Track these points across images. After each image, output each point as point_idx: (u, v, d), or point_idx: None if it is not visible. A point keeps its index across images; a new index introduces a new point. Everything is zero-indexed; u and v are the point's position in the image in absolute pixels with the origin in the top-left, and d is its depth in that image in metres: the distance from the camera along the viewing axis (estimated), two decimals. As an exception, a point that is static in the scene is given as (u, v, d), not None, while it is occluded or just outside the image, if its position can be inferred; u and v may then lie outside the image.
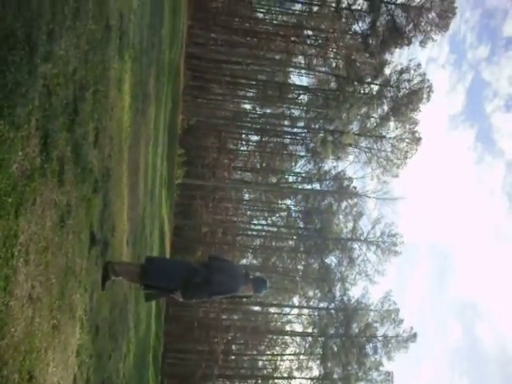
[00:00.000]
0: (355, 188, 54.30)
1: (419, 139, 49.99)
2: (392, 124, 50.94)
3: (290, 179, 58.65)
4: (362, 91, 49.95)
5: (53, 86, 3.60)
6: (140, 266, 7.02)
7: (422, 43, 46.32)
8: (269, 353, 62.49)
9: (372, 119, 51.75)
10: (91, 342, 6.08)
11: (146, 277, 6.77)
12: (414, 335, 55.72)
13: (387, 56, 49.08)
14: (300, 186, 57.29)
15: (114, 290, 8.06)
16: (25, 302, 3.29)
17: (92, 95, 5.04)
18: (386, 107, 50.54)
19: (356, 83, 49.03)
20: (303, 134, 55.51)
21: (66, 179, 4.16)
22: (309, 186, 56.89)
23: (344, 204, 55.03)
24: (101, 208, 6.20)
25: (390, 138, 51.10)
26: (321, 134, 52.13)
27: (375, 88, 50.74)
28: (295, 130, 56.01)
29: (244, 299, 9.23)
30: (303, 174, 57.24)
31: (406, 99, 48.44)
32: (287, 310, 62.00)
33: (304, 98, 54.84)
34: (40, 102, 3.37)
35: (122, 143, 8.09)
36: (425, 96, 48.47)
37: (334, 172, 55.38)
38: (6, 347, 3.00)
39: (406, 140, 50.48)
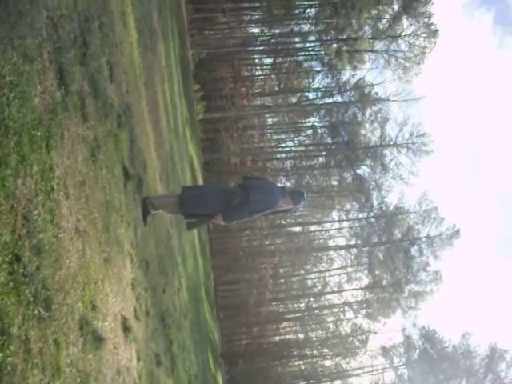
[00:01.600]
0: (377, 94, 53.35)
1: (436, 31, 48.41)
2: (405, 22, 49.34)
3: (310, 96, 57.76)
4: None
5: (57, 17, 3.54)
6: (177, 197, 7.08)
7: None
8: (316, 270, 63.57)
9: (384, 20, 50.13)
10: (144, 275, 6.23)
11: (185, 205, 6.83)
12: (457, 231, 55.85)
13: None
14: (321, 102, 56.38)
15: (156, 226, 8.20)
16: (73, 234, 3.35)
17: (98, 29, 4.96)
18: (396, 6, 48.90)
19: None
20: (316, 49, 54.28)
21: (89, 113, 4.15)
22: (330, 100, 55.96)
23: (368, 112, 54.20)
24: (128, 144, 6.21)
25: (405, 36, 49.60)
26: (334, 45, 50.90)
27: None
28: (307, 45, 54.71)
29: (284, 213, 9.29)
30: (323, 89, 56.28)
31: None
32: (328, 225, 62.50)
33: (311, 10, 53.20)
34: (48, 34, 3.32)
35: (136, 79, 8.02)
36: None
37: (353, 81, 54.30)
38: (65, 278, 3.08)
39: (423, 35, 48.99)
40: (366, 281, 60.94)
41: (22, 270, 2.51)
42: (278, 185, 7.35)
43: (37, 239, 2.73)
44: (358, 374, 63.45)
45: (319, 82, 56.49)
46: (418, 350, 60.49)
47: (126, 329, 4.58)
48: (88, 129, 4.08)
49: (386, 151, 54.93)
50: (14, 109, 2.67)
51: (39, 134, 2.95)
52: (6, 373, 2.23)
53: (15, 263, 2.46)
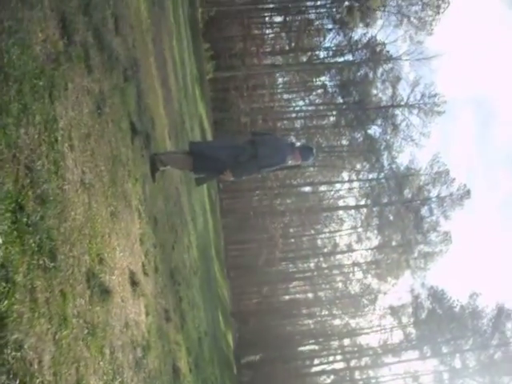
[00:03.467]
0: (389, 52, 52.47)
1: (450, -10, 47.36)
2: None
3: (321, 55, 56.87)
4: None
5: (59, -36, 3.45)
6: (186, 152, 7.04)
7: None
8: (326, 230, 63.75)
9: (397, -23, 49.03)
10: (152, 232, 6.22)
11: (194, 160, 6.79)
12: (468, 192, 55.58)
13: None
14: (332, 60, 55.58)
15: (165, 183, 8.18)
16: (78, 186, 3.33)
17: (103, -21, 4.85)
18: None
19: None
20: (328, 6, 53.28)
21: (94, 66, 4.09)
22: (341, 59, 55.09)
23: (380, 71, 53.32)
24: (135, 99, 6.14)
25: (418, -6, 48.57)
26: (346, 3, 49.91)
27: None
28: (318, 3, 53.67)
29: (293, 169, 9.24)
30: (334, 48, 55.38)
31: None
32: (338, 186, 62.34)
33: (322, -33, 52.17)
34: (49, -20, 3.24)
35: (143, 34, 7.90)
36: None
37: (364, 40, 53.37)
38: (71, 230, 3.07)
39: (436, -6, 47.95)
40: (375, 241, 61.12)
41: (25, 220, 2.49)
42: (287, 140, 7.27)
43: (41, 189, 2.70)
44: (366, 333, 64.22)
45: (330, 40, 55.60)
46: (426, 310, 60.97)
47: (135, 283, 4.60)
48: (93, 81, 4.02)
49: (397, 111, 54.31)
50: (14, 56, 2.60)
51: (41, 83, 2.89)
52: (12, 320, 2.23)
53: (18, 212, 2.44)
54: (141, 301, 4.80)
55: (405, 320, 63.13)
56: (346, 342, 64.78)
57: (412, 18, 49.40)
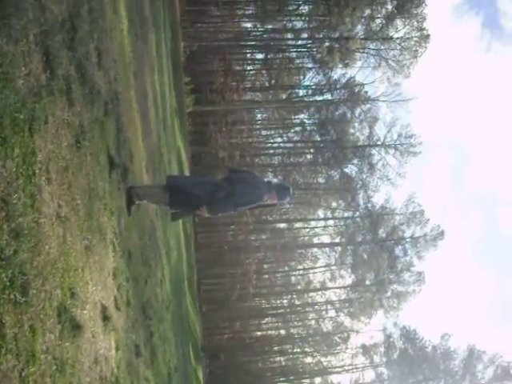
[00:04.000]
0: (367, 93, 53.46)
1: (428, 36, 48.63)
2: (399, 23, 49.43)
3: (301, 93, 57.72)
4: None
5: (44, -1, 3.49)
6: (163, 187, 7.03)
7: None
8: (300, 267, 63.71)
9: (377, 21, 50.24)
10: (126, 265, 6.18)
11: (171, 195, 6.78)
12: (442, 233, 56.24)
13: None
14: (311, 99, 56.42)
15: (140, 217, 8.14)
16: (54, 220, 3.31)
17: (88, 13, 4.91)
18: (389, 6, 49.00)
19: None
20: (308, 46, 54.24)
21: (75, 99, 4.10)
22: (320, 98, 55.94)
23: (358, 111, 54.28)
24: (115, 132, 6.16)
25: (397, 38, 49.73)
26: (326, 43, 50.82)
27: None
28: (300, 42, 54.66)
29: (270, 208, 9.26)
30: (313, 86, 56.23)
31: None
32: (313, 223, 62.59)
33: (304, 8, 53.16)
34: (34, 15, 3.27)
35: (126, 68, 7.95)
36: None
37: (343, 80, 54.37)
38: (44, 263, 3.04)
39: (415, 38, 49.18)
40: (349, 280, 61.22)
41: (-2, 254, 2.47)
42: (265, 179, 7.31)
43: (16, 223, 2.69)
44: (338, 372, 63.78)
45: (310, 79, 56.55)
46: (398, 350, 60.93)
47: (106, 318, 4.55)
48: (73, 114, 4.03)
49: (374, 151, 55.17)
50: (-4, 89, 2.62)
51: (22, 116, 2.90)
52: (-22, 357, 2.19)
53: (-8, 246, 2.42)
54: (111, 335, 4.74)
55: (377, 359, 63.03)
56: (318, 380, 64.28)
57: (390, 61, 50.55)
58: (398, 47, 49.89)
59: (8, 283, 2.54)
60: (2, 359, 2.39)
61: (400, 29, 49.72)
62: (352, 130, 55.36)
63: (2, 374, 2.37)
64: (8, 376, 2.43)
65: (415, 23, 48.85)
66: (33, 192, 2.96)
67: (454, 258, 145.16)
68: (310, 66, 55.23)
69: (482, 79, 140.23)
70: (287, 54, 54.74)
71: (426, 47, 49.08)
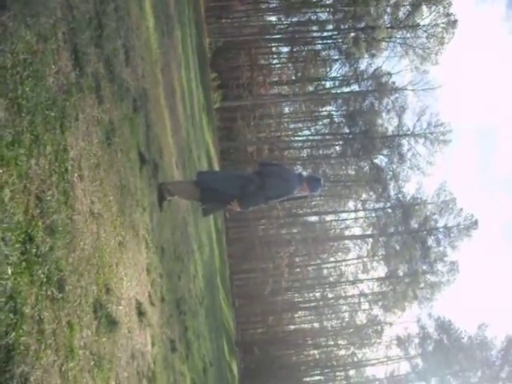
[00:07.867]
0: (394, 83, 52.91)
1: (455, 22, 47.87)
2: (425, 10, 48.71)
3: (328, 85, 57.50)
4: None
5: (71, -3, 3.51)
6: (193, 182, 7.05)
7: None
8: (332, 260, 63.48)
9: (403, 9, 49.62)
10: (159, 261, 6.21)
11: (201, 190, 6.80)
12: (475, 222, 55.32)
13: None
14: (339, 90, 56.06)
15: (172, 213, 8.17)
16: (87, 216, 3.33)
17: (114, 11, 4.93)
18: (415, -7, 48.39)
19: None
20: (334, 37, 53.86)
21: (105, 96, 4.12)
22: (347, 89, 55.56)
23: (385, 101, 53.75)
24: (144, 129, 6.18)
25: (424, 25, 49.06)
26: (352, 34, 50.42)
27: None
28: (325, 34, 54.31)
29: (301, 200, 9.21)
30: (340, 78, 55.96)
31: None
32: (344, 215, 62.36)
33: (329, -1, 52.81)
34: (62, 14, 3.29)
35: (153, 65, 7.98)
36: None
37: (370, 70, 53.93)
38: (79, 260, 3.06)
39: (441, 25, 48.46)
40: (382, 271, 60.78)
41: (34, 250, 2.49)
42: (295, 171, 7.27)
43: (50, 220, 2.70)
44: (372, 364, 63.48)
45: (336, 70, 56.28)
46: (433, 341, 60.27)
47: (141, 313, 4.58)
48: (103, 111, 4.05)
49: (404, 141, 54.54)
50: (28, 87, 2.63)
51: (53, 114, 2.91)
52: (18, 352, 2.21)
53: (28, 243, 2.43)
54: (147, 331, 4.77)
55: (412, 351, 62.41)
56: (352, 373, 64.03)
57: (417, 49, 49.87)
58: (425, 35, 49.22)
59: (45, 279, 2.56)
60: (42, 354, 2.41)
61: (426, 16, 49.08)
62: (380, 121, 54.86)
63: (43, 370, 2.39)
64: (48, 371, 2.45)
65: (441, 9, 48.11)
66: (66, 189, 2.98)
67: (487, 244, 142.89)
68: (336, 57, 54.94)
69: (509, 61, 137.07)
70: (313, 46, 54.51)
71: (453, 33, 48.34)
